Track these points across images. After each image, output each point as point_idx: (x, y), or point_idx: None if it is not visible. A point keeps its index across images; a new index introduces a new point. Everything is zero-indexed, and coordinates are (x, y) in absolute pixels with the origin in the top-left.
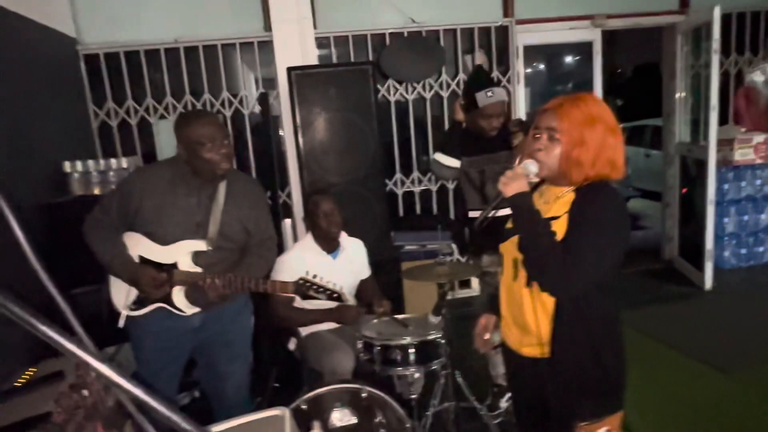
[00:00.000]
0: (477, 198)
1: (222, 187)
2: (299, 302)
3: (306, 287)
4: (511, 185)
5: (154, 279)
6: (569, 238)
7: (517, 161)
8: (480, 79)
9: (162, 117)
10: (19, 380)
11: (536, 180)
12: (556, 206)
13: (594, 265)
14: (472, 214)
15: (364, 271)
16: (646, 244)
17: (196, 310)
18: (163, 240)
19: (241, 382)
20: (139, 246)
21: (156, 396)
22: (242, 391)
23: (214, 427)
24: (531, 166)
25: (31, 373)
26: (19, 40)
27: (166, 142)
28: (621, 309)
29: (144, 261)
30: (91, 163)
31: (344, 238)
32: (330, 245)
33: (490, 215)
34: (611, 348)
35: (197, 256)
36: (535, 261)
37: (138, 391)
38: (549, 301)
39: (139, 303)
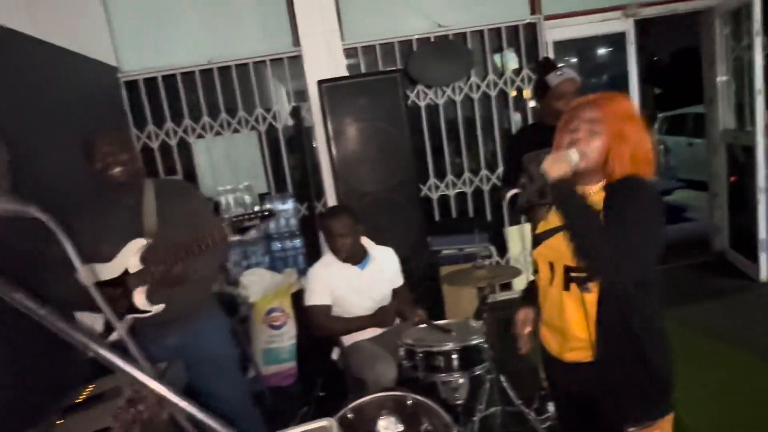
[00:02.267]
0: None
1: (149, 193)
2: (337, 311)
3: (238, 221)
4: (555, 167)
5: (110, 296)
6: (614, 232)
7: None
8: (548, 64)
9: (200, 136)
10: (79, 397)
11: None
12: None
13: (642, 253)
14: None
15: (397, 280)
16: (694, 237)
17: (161, 307)
18: (107, 257)
19: (236, 397)
20: (91, 275)
21: (208, 413)
22: (239, 407)
23: None
24: (573, 154)
25: (90, 390)
26: (65, 73)
27: (204, 161)
28: (669, 306)
29: (99, 285)
30: None
31: (372, 246)
32: (355, 257)
33: (533, 196)
34: (657, 348)
35: (144, 257)
36: (586, 245)
37: (192, 408)
38: (590, 303)
39: (108, 329)
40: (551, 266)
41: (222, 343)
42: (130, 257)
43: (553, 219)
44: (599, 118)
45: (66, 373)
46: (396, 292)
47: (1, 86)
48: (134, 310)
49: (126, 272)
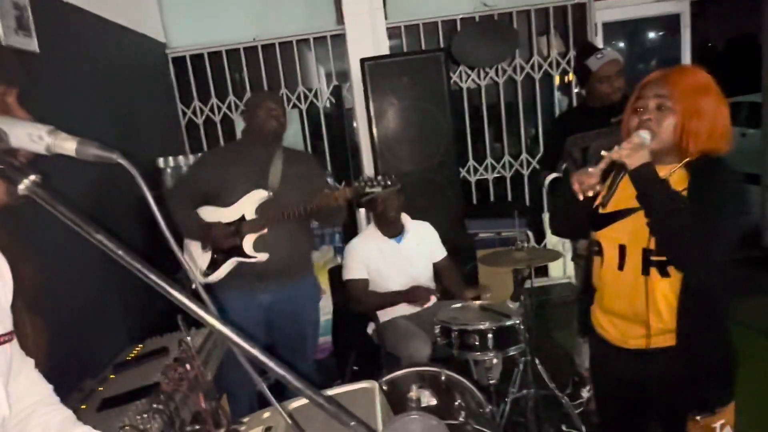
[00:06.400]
0: None
1: (279, 154)
2: (374, 286)
3: (361, 187)
4: (635, 156)
5: (223, 230)
6: (699, 215)
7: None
8: (587, 47)
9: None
10: (129, 355)
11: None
12: None
13: (728, 241)
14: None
15: (438, 252)
16: (744, 231)
17: (265, 255)
18: (229, 201)
19: (307, 362)
20: (209, 216)
21: (269, 355)
22: (306, 371)
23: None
24: (646, 135)
25: (139, 350)
26: (117, 47)
27: None
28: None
29: (217, 226)
30: (181, 158)
31: (408, 221)
32: (392, 230)
33: (613, 193)
34: (727, 332)
35: (261, 208)
36: (673, 235)
37: (254, 350)
38: (668, 288)
39: (213, 265)
40: (621, 249)
41: (312, 308)
42: (248, 206)
43: (624, 199)
44: (668, 94)
45: (117, 333)
46: (440, 267)
47: (57, 58)
48: (241, 254)
49: (242, 218)
